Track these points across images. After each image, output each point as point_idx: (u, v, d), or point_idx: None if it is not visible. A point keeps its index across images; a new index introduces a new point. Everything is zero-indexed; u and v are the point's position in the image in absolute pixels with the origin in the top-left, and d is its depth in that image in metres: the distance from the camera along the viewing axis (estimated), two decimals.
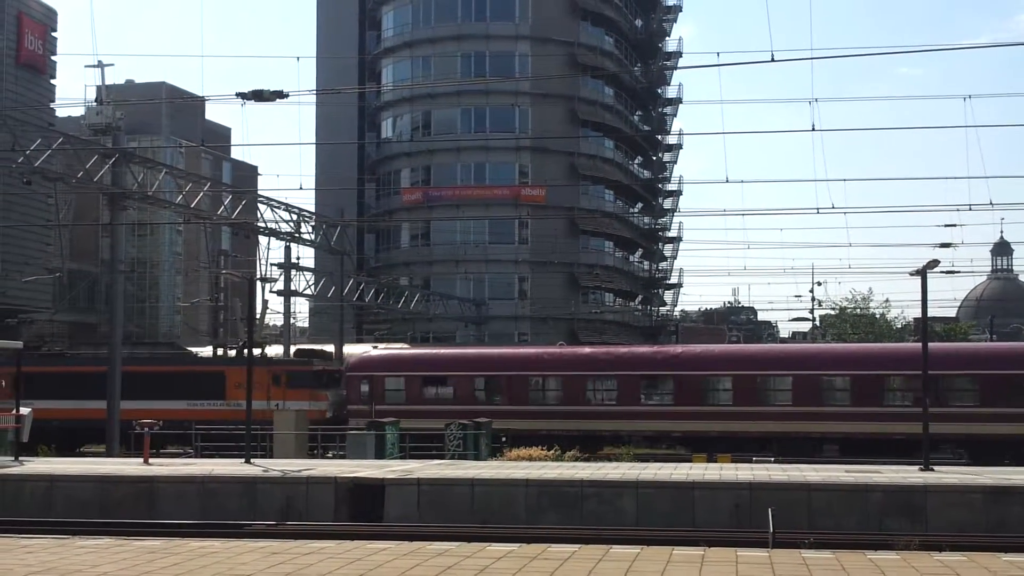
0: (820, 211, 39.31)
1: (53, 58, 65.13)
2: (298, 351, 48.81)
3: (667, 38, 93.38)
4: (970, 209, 40.28)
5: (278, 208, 49.13)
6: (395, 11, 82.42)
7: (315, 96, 79.22)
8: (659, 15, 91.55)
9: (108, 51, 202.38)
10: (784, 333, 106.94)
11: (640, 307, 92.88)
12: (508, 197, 76.42)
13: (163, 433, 37.44)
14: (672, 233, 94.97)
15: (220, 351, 52.16)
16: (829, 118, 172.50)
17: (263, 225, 49.26)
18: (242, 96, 28.49)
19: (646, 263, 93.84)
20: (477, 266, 75.44)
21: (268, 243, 50.37)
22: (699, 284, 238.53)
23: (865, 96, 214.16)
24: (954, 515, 20.75)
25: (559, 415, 39.54)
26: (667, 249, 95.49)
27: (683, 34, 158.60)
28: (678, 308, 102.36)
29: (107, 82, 67.20)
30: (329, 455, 35.75)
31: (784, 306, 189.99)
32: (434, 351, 46.70)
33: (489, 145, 76.68)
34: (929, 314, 28.77)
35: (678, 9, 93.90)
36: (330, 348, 51.01)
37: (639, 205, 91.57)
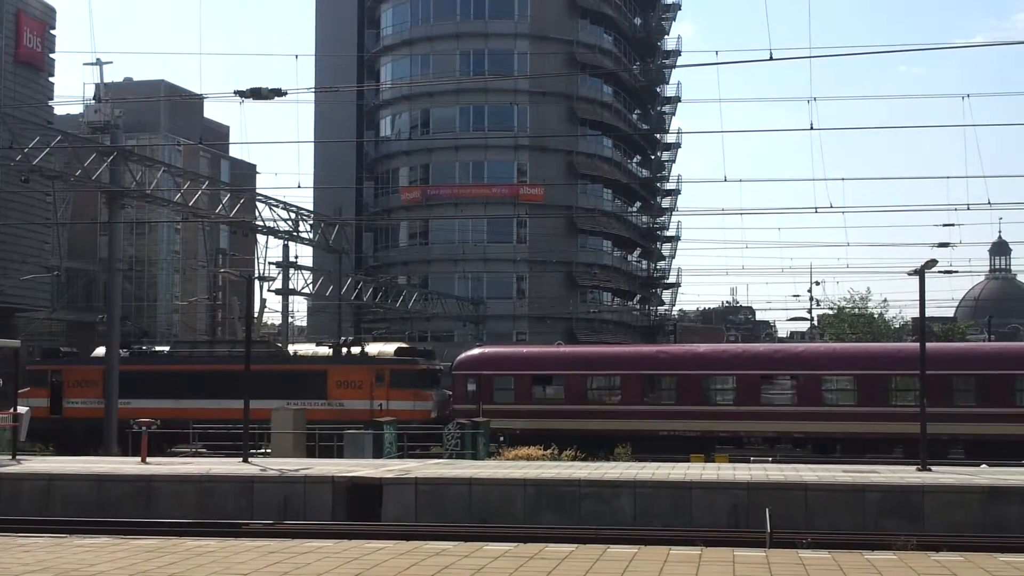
0: (818, 210, 39.35)
1: (52, 56, 65.03)
2: (399, 349, 47.87)
3: (666, 36, 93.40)
4: (968, 209, 40.44)
5: (276, 207, 49.14)
6: (394, 9, 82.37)
7: (314, 94, 79.19)
8: (658, 13, 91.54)
9: (107, 49, 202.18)
10: (782, 333, 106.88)
11: (638, 306, 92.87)
12: (507, 196, 76.41)
13: (262, 432, 37.20)
14: (670, 232, 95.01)
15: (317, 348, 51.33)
16: (828, 117, 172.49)
17: (261, 224, 49.26)
18: (240, 94, 28.48)
19: (644, 262, 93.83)
20: (475, 265, 75.42)
21: (266, 242, 50.35)
22: (697, 283, 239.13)
23: (864, 95, 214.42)
24: (952, 515, 20.76)
25: (675, 415, 38.11)
26: (665, 248, 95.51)
27: (682, 33, 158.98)
28: (676, 307, 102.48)
29: (106, 80, 67.23)
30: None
31: (782, 306, 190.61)
32: (545, 349, 45.70)
33: (488, 144, 76.66)
34: (927, 314, 28.77)
35: (677, 8, 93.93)
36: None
37: (637, 204, 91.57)
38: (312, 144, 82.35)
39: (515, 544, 14.75)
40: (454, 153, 77.69)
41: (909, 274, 28.63)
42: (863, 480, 22.03)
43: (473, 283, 75.46)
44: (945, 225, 52.84)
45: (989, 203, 54.73)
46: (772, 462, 31.39)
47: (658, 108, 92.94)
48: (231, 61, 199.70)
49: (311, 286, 55.42)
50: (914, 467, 25.61)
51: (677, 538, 17.42)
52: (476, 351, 43.68)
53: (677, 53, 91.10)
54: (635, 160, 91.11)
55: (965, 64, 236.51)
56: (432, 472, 23.64)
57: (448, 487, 22.39)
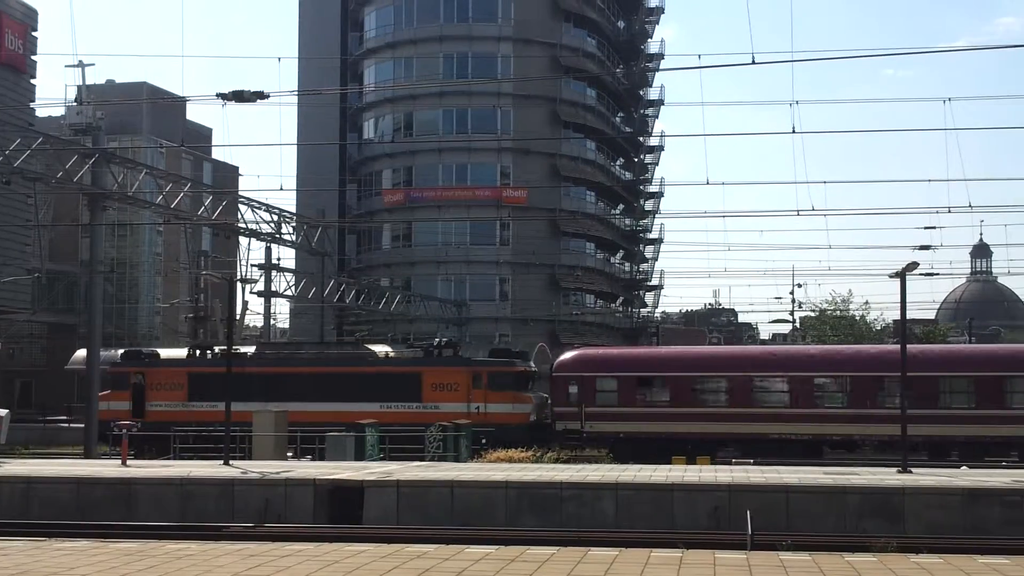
0: (800, 213, 39.46)
1: (33, 58, 64.62)
2: (493, 350, 47.36)
3: (649, 40, 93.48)
4: (949, 212, 40.30)
5: (259, 209, 49.07)
6: (377, 12, 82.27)
7: (297, 97, 79.09)
8: (641, 17, 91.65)
9: (89, 51, 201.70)
10: (764, 335, 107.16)
11: (621, 308, 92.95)
12: (490, 198, 76.37)
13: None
14: (653, 235, 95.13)
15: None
16: (810, 120, 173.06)
17: (244, 226, 49.18)
18: (223, 97, 28.44)
19: (627, 264, 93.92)
20: (458, 267, 75.38)
21: (249, 244, 50.48)
22: (680, 286, 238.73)
23: (846, 99, 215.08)
24: (932, 517, 20.86)
25: (785, 418, 37.26)
26: (648, 251, 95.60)
27: (665, 36, 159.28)
28: (659, 310, 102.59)
29: (87, 82, 66.89)
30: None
31: (764, 308, 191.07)
32: (650, 350, 44.92)
33: (471, 146, 76.62)
34: (908, 316, 28.88)
35: (660, 11, 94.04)
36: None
37: (620, 207, 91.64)
38: (295, 146, 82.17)
39: (497, 547, 14.75)
40: (437, 156, 77.64)
41: (891, 276, 28.77)
42: (844, 482, 22.11)
43: (456, 285, 75.43)
44: (926, 228, 52.90)
45: (970, 206, 54.60)
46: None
47: (641, 111, 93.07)
48: (214, 63, 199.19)
49: (294, 288, 55.35)
50: (895, 469, 25.71)
51: (658, 540, 17.43)
52: (576, 352, 42.81)
53: (660, 56, 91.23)
54: (618, 163, 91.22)
55: (947, 68, 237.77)
56: (414, 474, 23.62)
57: (430, 489, 22.37)
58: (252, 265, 51.36)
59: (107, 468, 26.30)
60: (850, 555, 14.13)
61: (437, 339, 46.25)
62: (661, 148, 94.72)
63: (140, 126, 74.34)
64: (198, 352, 45.96)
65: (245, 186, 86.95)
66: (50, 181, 40.59)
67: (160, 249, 76.92)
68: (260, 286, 51.47)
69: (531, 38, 77.35)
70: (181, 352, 47.50)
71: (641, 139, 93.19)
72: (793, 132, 33.60)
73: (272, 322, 58.39)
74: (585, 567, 12.80)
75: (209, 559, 13.29)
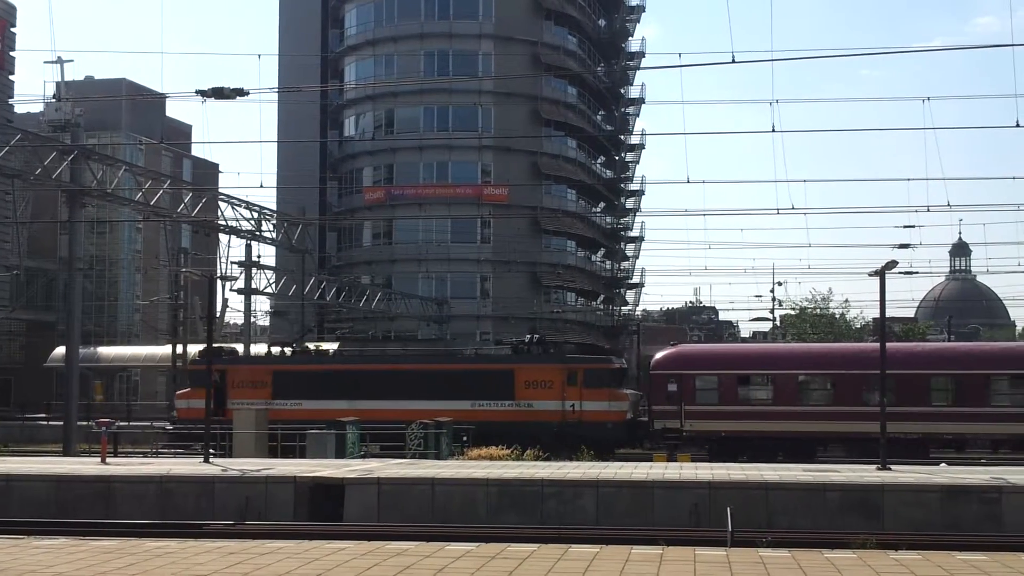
0: (780, 212, 39.57)
1: (12, 54, 64.51)
2: (581, 345, 46.57)
3: (630, 38, 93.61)
4: (928, 210, 40.59)
5: (239, 206, 48.93)
6: (357, 9, 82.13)
7: (277, 94, 78.85)
8: (622, 15, 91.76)
9: (68, 47, 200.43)
10: (745, 333, 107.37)
11: (602, 307, 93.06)
12: (471, 196, 76.37)
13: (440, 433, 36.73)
14: (634, 233, 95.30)
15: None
16: (790, 119, 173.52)
17: (224, 223, 49.04)
18: (202, 94, 28.30)
19: (608, 263, 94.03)
20: (439, 265, 75.32)
21: (229, 241, 50.13)
22: (661, 284, 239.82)
23: (826, 98, 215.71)
24: (911, 514, 20.92)
25: (891, 416, 36.42)
26: (629, 249, 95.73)
27: (646, 35, 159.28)
28: (640, 308, 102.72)
29: (66, 78, 66.49)
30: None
31: (745, 306, 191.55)
32: (751, 347, 43.98)
33: (452, 144, 76.59)
34: (888, 314, 29.00)
35: (641, 9, 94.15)
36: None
37: (601, 205, 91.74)
38: (275, 144, 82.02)
39: (477, 544, 14.74)
40: (418, 153, 77.57)
41: (870, 275, 28.85)
42: (823, 479, 22.17)
43: (437, 283, 75.38)
44: (906, 227, 53.17)
45: (949, 205, 55.25)
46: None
47: (622, 109, 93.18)
48: (194, 60, 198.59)
49: (274, 286, 55.20)
50: (874, 466, 25.80)
51: (639, 537, 17.46)
52: (675, 349, 41.83)
53: (641, 55, 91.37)
54: (599, 161, 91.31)
55: (925, 68, 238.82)
56: (394, 472, 23.58)
57: (411, 487, 22.34)
58: (232, 262, 51.14)
59: (86, 466, 26.18)
60: (829, 552, 14.19)
61: (529, 335, 45.49)
62: (642, 146, 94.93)
63: (119, 123, 74.03)
64: (278, 350, 45.32)
65: (225, 183, 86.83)
66: (28, 178, 40.38)
67: (139, 246, 76.60)
68: (240, 283, 51.29)
69: (512, 36, 77.33)
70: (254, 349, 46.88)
71: (622, 137, 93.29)
72: (773, 131, 33.61)
73: (252, 320, 58.24)
74: (566, 564, 12.81)
75: (188, 557, 13.25)
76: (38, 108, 70.97)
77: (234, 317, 72.39)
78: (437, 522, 20.87)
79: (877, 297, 27.76)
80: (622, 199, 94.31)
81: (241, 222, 49.15)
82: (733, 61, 25.69)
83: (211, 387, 29.51)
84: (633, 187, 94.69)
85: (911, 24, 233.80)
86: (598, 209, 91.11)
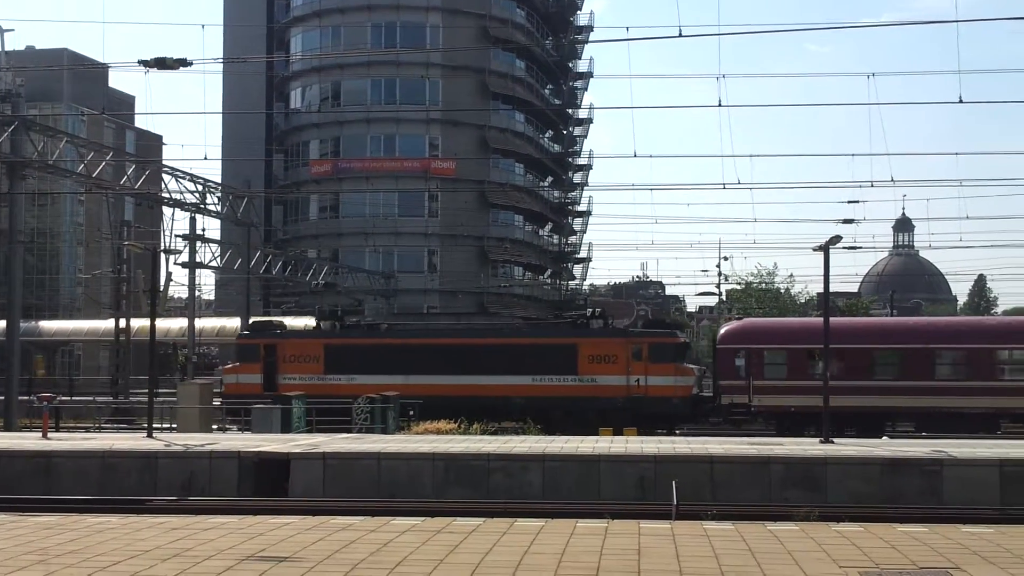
0: (726, 187, 39.76)
1: None
2: (648, 321, 45.80)
3: (578, 12, 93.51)
4: (872, 186, 40.83)
5: (183, 178, 48.34)
6: None
7: (222, 65, 77.95)
8: None
9: (7, 16, 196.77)
10: (691, 307, 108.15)
11: (549, 281, 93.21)
12: (418, 169, 76.09)
13: (501, 407, 36.78)
14: (582, 207, 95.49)
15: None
16: (736, 94, 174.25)
17: (167, 196, 48.45)
18: (144, 64, 27.92)
19: (556, 237, 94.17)
20: (387, 239, 75.05)
21: (173, 214, 49.52)
22: (608, 258, 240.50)
23: (772, 72, 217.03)
24: (853, 486, 21.18)
25: (962, 391, 35.85)
26: (577, 223, 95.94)
27: (595, 8, 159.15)
28: (587, 282, 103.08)
29: (6, 48, 65.16)
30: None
31: (691, 280, 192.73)
32: (819, 321, 43.13)
33: (400, 117, 76.21)
34: (832, 289, 29.27)
35: None
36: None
37: (549, 179, 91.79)
38: (220, 116, 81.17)
39: (423, 518, 14.70)
40: (365, 126, 77.11)
41: (814, 250, 29.13)
42: (767, 452, 22.37)
43: (384, 257, 75.11)
44: (850, 202, 53.60)
45: (892, 180, 55.56)
46: None
47: (570, 83, 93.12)
48: (136, 30, 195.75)
49: (219, 259, 54.68)
50: (817, 439, 26.10)
51: (585, 511, 17.52)
52: (742, 323, 41.30)
53: (589, 29, 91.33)
54: (547, 135, 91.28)
55: (872, 44, 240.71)
56: (340, 447, 23.49)
57: (356, 462, 22.26)
58: (176, 236, 50.58)
59: (27, 441, 25.84)
60: (772, 524, 14.30)
61: (590, 309, 44.90)
62: (590, 121, 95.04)
63: (61, 93, 72.92)
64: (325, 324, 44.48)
65: (169, 155, 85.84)
66: None
67: (82, 219, 75.66)
68: (184, 257, 50.72)
69: (459, 8, 76.97)
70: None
71: (570, 111, 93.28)
72: (720, 106, 33.69)
73: (197, 293, 57.71)
74: (511, 537, 12.81)
75: (130, 532, 13.10)
76: None
77: (178, 291, 71.76)
78: (383, 497, 20.83)
79: (821, 272, 28.01)
80: (570, 173, 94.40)
81: (185, 195, 48.58)
82: (680, 35, 25.78)
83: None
84: (581, 161, 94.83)
85: (857, 1, 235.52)
86: (546, 183, 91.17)
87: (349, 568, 10.86)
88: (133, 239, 49.41)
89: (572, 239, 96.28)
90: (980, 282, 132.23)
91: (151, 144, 78.95)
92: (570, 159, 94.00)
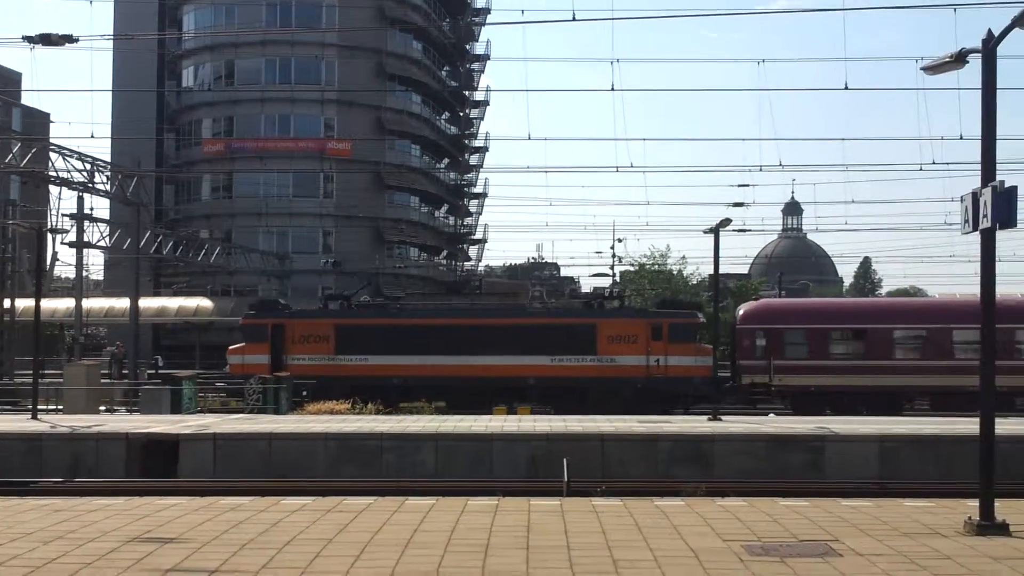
0: (620, 170, 40.29)
1: None
2: (664, 300, 45.00)
3: None
4: (760, 170, 41.94)
5: (71, 157, 47.24)
6: None
7: (112, 42, 76.16)
8: None
9: None
10: (586, 288, 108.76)
11: (445, 262, 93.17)
12: (313, 150, 75.30)
13: (517, 389, 36.59)
14: (478, 189, 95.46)
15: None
16: (631, 79, 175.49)
17: (54, 174, 47.31)
18: (29, 40, 27.15)
19: (451, 218, 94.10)
20: (280, 219, 74.25)
21: (60, 193, 48.44)
22: (504, 240, 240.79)
23: (665, 58, 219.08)
24: (739, 463, 21.66)
25: (971, 370, 35.46)
26: (472, 205, 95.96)
27: None
28: (483, 263, 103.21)
29: None
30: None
31: (586, 262, 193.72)
32: (838, 301, 42.71)
33: (294, 97, 75.30)
34: (722, 271, 29.80)
35: None
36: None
37: (445, 161, 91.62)
38: (110, 93, 79.22)
39: (314, 498, 14.68)
40: (259, 106, 76.01)
41: (705, 232, 29.66)
42: (656, 430, 22.74)
43: (278, 238, 74.33)
44: (740, 186, 54.71)
45: (781, 165, 57.13)
46: None
47: (467, 65, 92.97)
48: (22, 4, 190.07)
49: (107, 239, 53.62)
50: (705, 417, 26.58)
51: (477, 488, 17.63)
52: (762, 302, 41.04)
53: (487, 11, 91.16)
54: (444, 117, 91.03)
55: (763, 31, 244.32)
56: (231, 428, 23.29)
57: (247, 442, 22.11)
58: (63, 215, 49.46)
59: None
60: (660, 500, 14.57)
61: (607, 289, 44.05)
62: (486, 103, 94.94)
63: None
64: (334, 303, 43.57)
65: (57, 133, 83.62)
66: None
67: None
68: (72, 237, 49.63)
69: None
70: None
71: (467, 93, 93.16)
72: (613, 89, 34.21)
73: (85, 274, 56.55)
74: (401, 516, 12.86)
75: (12, 515, 12.86)
76: None
77: (65, 271, 70.20)
78: (275, 478, 20.71)
79: (712, 254, 28.51)
80: (466, 155, 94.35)
81: (73, 173, 47.47)
82: (574, 19, 26.06)
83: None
84: (477, 143, 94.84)
85: None
86: (442, 165, 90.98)
87: (237, 548, 10.81)
88: (18, 218, 48.21)
89: (468, 221, 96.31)
90: (865, 264, 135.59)
91: (38, 122, 76.96)
92: (467, 141, 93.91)
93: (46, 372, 44.49)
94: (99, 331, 70.76)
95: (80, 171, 47.88)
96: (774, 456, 21.77)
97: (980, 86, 12.45)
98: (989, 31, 12.40)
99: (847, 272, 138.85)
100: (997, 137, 12.47)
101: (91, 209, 50.43)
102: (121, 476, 21.16)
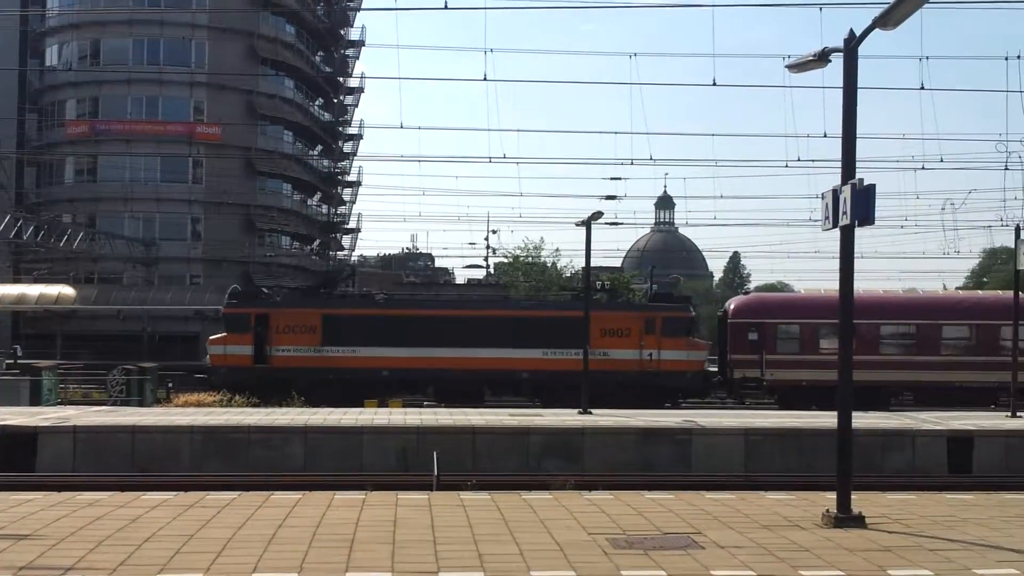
0: (493, 160, 40.30)
1: None
2: (656, 294, 43.84)
3: None
4: (632, 164, 42.36)
5: None
6: None
7: None
8: None
9: None
10: (460, 279, 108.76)
11: (317, 251, 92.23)
12: (182, 134, 73.66)
13: (508, 382, 36.17)
14: (351, 177, 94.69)
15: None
16: (507, 70, 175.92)
17: None
18: None
19: (324, 207, 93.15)
20: (147, 204, 72.55)
21: None
22: (377, 229, 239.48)
23: (539, 49, 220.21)
24: (608, 455, 21.88)
25: (967, 366, 36.72)
26: (346, 193, 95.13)
27: None
28: (356, 253, 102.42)
29: None
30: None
31: (459, 253, 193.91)
32: (831, 295, 41.88)
33: (163, 79, 73.57)
34: (595, 263, 30.08)
35: None
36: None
37: (319, 148, 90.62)
38: None
39: (176, 493, 14.38)
40: (126, 87, 74.07)
41: (577, 225, 29.86)
42: (527, 423, 22.84)
43: (145, 223, 72.61)
44: (613, 179, 55.21)
45: (652, 159, 58.00)
46: None
47: (342, 51, 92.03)
48: None
49: None
50: (576, 411, 26.79)
51: (345, 483, 17.50)
52: (754, 296, 40.64)
53: None
54: (317, 103, 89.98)
55: (637, 25, 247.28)
56: (92, 420, 22.70)
57: (110, 435, 21.55)
58: None
59: None
60: (528, 493, 14.62)
61: (600, 283, 43.32)
62: (361, 90, 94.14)
63: None
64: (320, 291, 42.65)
65: None
66: None
67: None
68: None
69: None
70: None
71: (341, 80, 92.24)
72: (485, 80, 34.27)
73: None
74: (266, 511, 12.66)
75: None
76: None
77: None
78: (138, 472, 20.23)
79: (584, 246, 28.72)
80: (340, 143, 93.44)
81: None
82: (446, 7, 25.92)
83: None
84: (351, 131, 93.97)
85: None
86: (315, 152, 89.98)
87: (94, 545, 10.51)
88: None
89: (341, 210, 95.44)
90: (735, 259, 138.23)
91: None
92: (340, 128, 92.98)
93: None
94: None
95: None
96: (643, 449, 22.06)
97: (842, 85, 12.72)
98: (851, 31, 12.66)
99: (717, 267, 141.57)
100: (859, 135, 12.76)
101: None
102: None
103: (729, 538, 11.28)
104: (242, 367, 37.67)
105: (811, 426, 23.05)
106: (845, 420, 12.63)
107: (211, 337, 40.17)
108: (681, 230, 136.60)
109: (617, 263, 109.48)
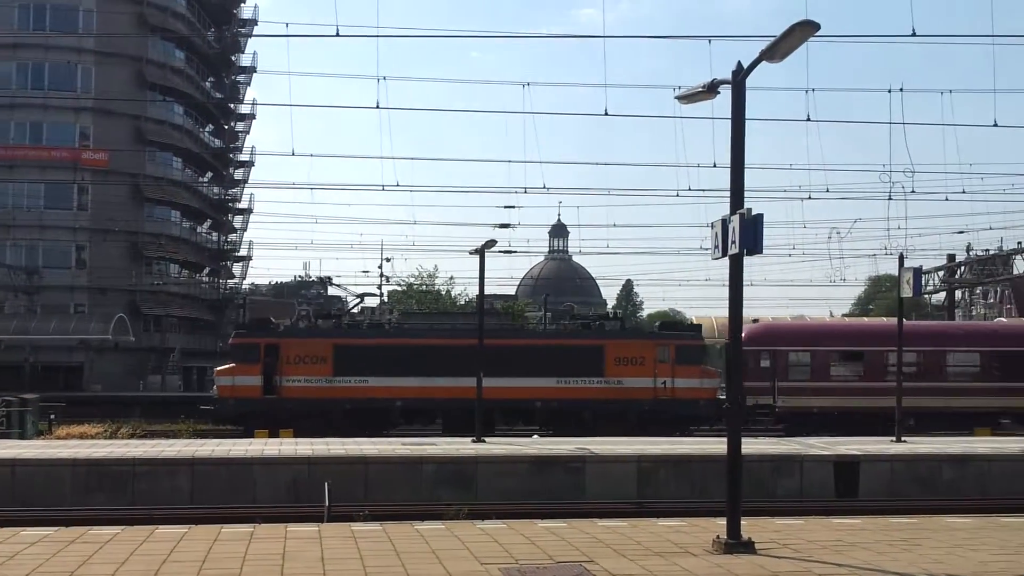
0: (386, 188, 40.39)
1: None
2: (665, 323, 42.96)
3: (242, 4, 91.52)
4: (526, 192, 42.66)
5: None
6: None
7: None
8: None
9: None
10: (355, 309, 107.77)
11: (207, 279, 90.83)
12: (67, 160, 72.06)
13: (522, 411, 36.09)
14: (243, 204, 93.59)
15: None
16: (399, 98, 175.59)
17: None
18: None
19: (215, 234, 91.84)
20: (30, 232, 70.75)
21: None
22: (269, 257, 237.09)
23: (432, 77, 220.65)
24: (503, 484, 21.81)
25: (974, 392, 37.56)
26: (237, 221, 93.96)
27: (258, 2, 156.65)
28: (247, 281, 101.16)
29: None
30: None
31: (353, 281, 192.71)
32: (842, 323, 41.32)
33: (48, 103, 71.99)
34: (489, 291, 30.10)
35: None
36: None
37: (209, 175, 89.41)
38: None
39: (57, 528, 13.93)
40: (9, 112, 72.25)
41: (471, 253, 29.84)
42: (420, 452, 22.67)
43: (27, 251, 70.77)
44: (506, 207, 55.35)
45: (545, 187, 58.31)
46: None
47: (233, 77, 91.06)
48: None
49: None
50: (470, 439, 26.69)
51: (234, 515, 17.14)
52: (766, 324, 40.70)
53: (253, 22, 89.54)
54: (208, 129, 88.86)
55: (531, 55, 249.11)
56: None
57: None
58: None
59: None
60: (421, 523, 14.48)
61: (612, 311, 42.88)
62: (252, 116, 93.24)
63: None
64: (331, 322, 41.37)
65: None
66: None
67: None
68: None
69: None
70: None
71: (232, 106, 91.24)
72: (378, 107, 34.37)
73: None
74: (151, 546, 12.33)
75: None
76: None
77: None
78: (17, 506, 19.57)
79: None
80: (231, 169, 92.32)
81: None
82: (337, 35, 25.97)
83: None
84: (243, 158, 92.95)
85: (519, 12, 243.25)
86: (205, 179, 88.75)
87: None
88: None
89: (232, 237, 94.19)
90: (628, 286, 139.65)
91: None
92: (231, 155, 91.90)
93: None
94: None
95: None
96: (536, 477, 22.02)
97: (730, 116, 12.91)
98: (739, 63, 12.85)
99: (611, 294, 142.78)
100: (747, 166, 12.96)
101: None
102: None
103: (621, 566, 11.28)
104: (251, 398, 37.24)
105: (702, 452, 23.25)
106: (734, 447, 12.73)
107: (218, 368, 39.59)
108: (575, 258, 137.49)
109: (511, 291, 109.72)
